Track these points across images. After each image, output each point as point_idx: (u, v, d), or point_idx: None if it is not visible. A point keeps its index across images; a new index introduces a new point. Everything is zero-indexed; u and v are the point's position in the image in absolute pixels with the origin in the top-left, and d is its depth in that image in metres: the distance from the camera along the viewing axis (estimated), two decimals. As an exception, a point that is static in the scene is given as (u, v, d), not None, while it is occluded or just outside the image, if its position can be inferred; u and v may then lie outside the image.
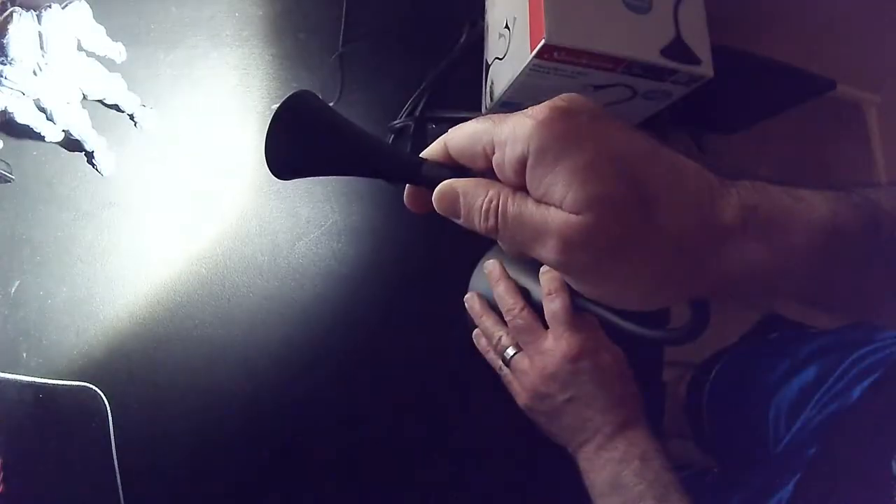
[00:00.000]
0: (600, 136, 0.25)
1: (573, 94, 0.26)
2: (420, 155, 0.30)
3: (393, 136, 0.56)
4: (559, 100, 0.26)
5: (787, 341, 0.68)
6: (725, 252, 0.25)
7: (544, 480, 0.53)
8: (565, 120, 0.24)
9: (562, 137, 0.24)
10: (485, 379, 0.50)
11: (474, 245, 0.51)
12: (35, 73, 0.42)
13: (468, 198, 0.27)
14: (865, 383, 0.53)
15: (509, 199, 0.26)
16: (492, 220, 0.26)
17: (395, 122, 0.56)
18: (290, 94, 0.28)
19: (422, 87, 0.57)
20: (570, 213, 0.24)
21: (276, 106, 0.29)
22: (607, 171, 0.24)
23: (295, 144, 0.29)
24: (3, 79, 0.40)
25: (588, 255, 0.25)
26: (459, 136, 0.28)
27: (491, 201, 0.26)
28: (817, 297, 0.29)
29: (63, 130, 0.46)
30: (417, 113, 0.56)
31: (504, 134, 0.25)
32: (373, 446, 0.51)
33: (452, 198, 0.27)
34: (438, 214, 0.28)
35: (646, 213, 0.24)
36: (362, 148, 0.30)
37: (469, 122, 0.28)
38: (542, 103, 0.25)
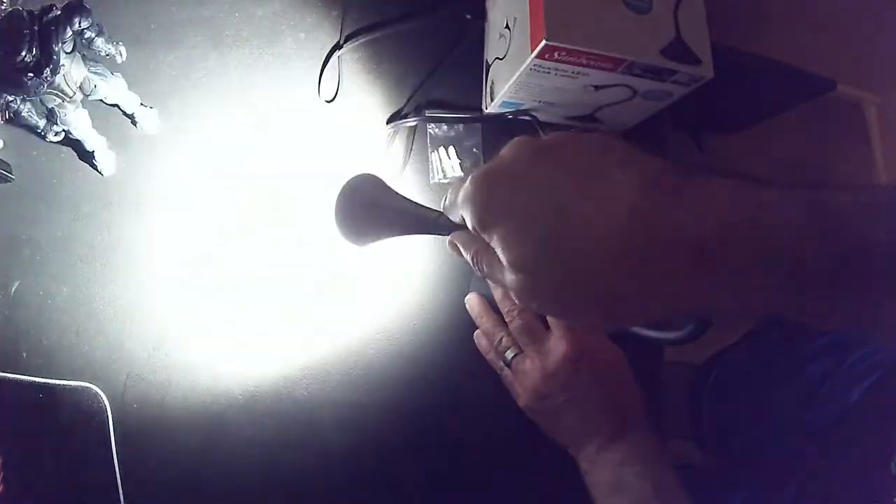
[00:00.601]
0: (521, 199, 0.28)
1: (507, 149, 0.30)
2: (440, 208, 0.37)
3: (393, 136, 0.56)
4: (492, 163, 0.30)
5: (787, 341, 0.68)
6: (681, 281, 0.26)
7: (545, 481, 0.52)
8: (487, 190, 0.29)
9: (486, 210, 0.29)
10: (485, 379, 0.50)
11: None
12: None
13: (464, 249, 0.34)
14: (865, 384, 0.53)
15: (483, 256, 0.32)
16: (478, 271, 0.33)
17: (395, 122, 0.56)
18: (351, 179, 0.39)
19: (422, 88, 0.57)
20: (511, 271, 0.29)
21: (340, 188, 0.39)
22: (529, 234, 0.28)
23: (356, 223, 0.39)
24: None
25: (538, 302, 0.29)
26: (449, 199, 0.35)
27: (474, 256, 0.33)
28: (793, 313, 0.29)
29: (63, 130, 0.46)
30: (417, 113, 0.56)
31: (459, 207, 0.32)
32: (370, 445, 0.51)
33: (455, 248, 0.35)
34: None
35: (571, 262, 0.27)
36: (403, 218, 0.39)
37: (458, 182, 0.33)
38: (478, 169, 0.31)
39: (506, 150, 0.31)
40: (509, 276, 0.29)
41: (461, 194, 0.31)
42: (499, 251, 0.29)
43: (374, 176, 0.41)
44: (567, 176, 0.28)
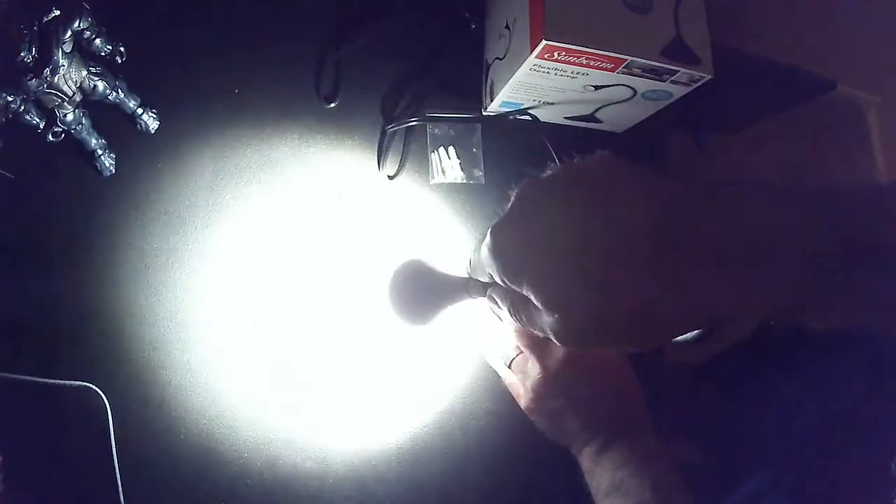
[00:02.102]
0: (541, 241, 0.29)
1: (516, 196, 0.31)
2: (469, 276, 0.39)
3: (393, 137, 0.56)
4: (505, 214, 0.31)
5: (787, 341, 0.68)
6: (703, 287, 0.27)
7: (546, 482, 0.52)
8: (508, 240, 0.30)
9: (512, 259, 0.30)
10: (485, 381, 0.50)
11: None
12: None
13: (500, 303, 0.34)
14: (865, 384, 0.53)
15: (520, 306, 0.32)
16: (517, 321, 0.33)
17: (395, 123, 0.56)
18: (401, 264, 0.41)
19: (421, 88, 0.57)
20: (547, 313, 0.29)
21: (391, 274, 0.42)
22: (557, 272, 0.28)
23: (410, 305, 0.42)
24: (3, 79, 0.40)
25: (575, 336, 0.30)
26: (473, 260, 0.36)
27: (510, 308, 0.33)
28: (795, 313, 0.30)
29: (63, 130, 0.46)
30: (417, 114, 0.56)
31: (485, 265, 0.32)
32: (373, 449, 0.51)
33: (492, 304, 0.36)
34: None
35: (602, 287, 0.27)
36: (442, 289, 0.41)
37: (477, 243, 0.34)
38: (495, 223, 0.31)
39: (515, 197, 0.31)
40: (546, 319, 0.29)
41: (484, 251, 0.31)
42: (532, 296, 0.29)
43: (416, 260, 0.43)
44: (581, 207, 0.28)
